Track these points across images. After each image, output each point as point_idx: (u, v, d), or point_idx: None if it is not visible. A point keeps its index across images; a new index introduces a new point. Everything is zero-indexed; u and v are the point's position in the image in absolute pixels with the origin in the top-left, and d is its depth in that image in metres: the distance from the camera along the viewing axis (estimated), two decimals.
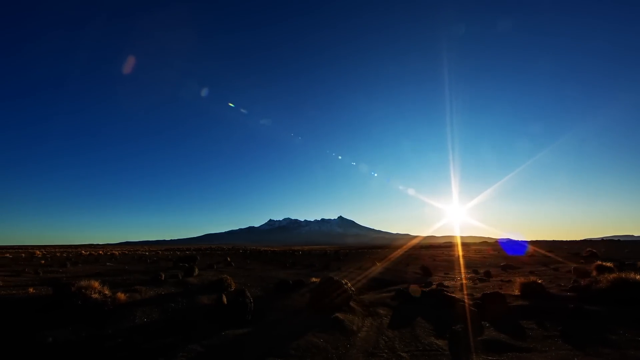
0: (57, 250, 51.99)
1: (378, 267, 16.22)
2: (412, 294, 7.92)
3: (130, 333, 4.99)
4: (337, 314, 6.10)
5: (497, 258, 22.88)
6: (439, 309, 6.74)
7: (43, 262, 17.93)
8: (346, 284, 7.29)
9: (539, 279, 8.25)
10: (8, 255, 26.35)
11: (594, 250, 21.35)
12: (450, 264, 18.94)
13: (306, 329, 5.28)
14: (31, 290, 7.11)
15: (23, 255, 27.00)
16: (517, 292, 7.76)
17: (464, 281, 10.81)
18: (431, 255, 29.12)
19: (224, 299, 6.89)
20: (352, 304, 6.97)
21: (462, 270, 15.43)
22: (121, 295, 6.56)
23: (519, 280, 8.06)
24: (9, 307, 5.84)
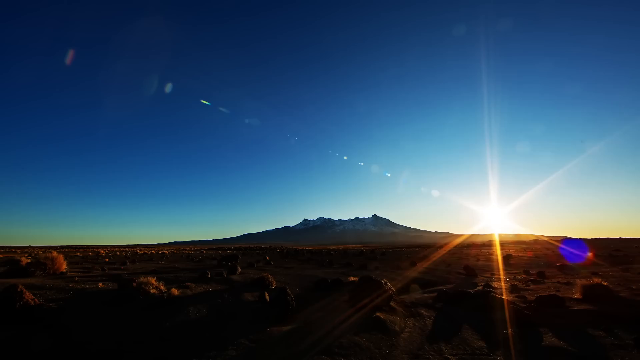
0: (117, 249, 57.89)
1: (417, 267, 15.71)
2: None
3: (185, 326, 5.40)
4: (378, 314, 6.04)
5: (551, 257, 20.92)
6: (487, 311, 6.35)
7: (107, 260, 20.08)
8: (386, 283, 7.17)
9: (605, 281, 7.40)
10: (79, 254, 29.93)
11: None
12: (496, 263, 17.72)
13: (347, 328, 5.31)
14: (100, 285, 8.00)
15: (90, 254, 30.48)
16: (578, 296, 7.05)
17: (515, 282, 10.05)
18: (474, 254, 27.51)
19: (267, 296, 7.17)
20: (392, 304, 6.84)
21: (511, 270, 14.36)
22: (175, 291, 7.13)
23: (580, 282, 7.32)
24: (84, 299, 6.64)
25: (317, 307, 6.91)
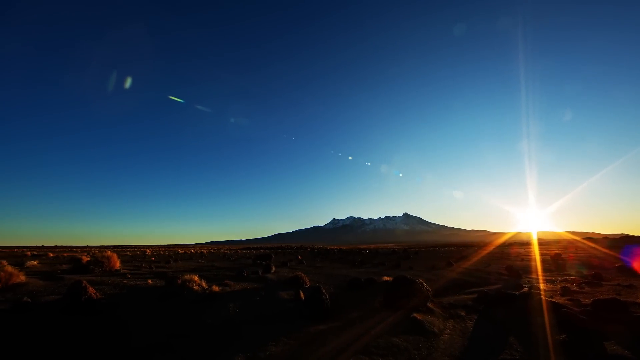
0: (160, 249, 62.28)
1: (454, 267, 15.05)
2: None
3: (226, 322, 5.69)
4: (415, 315, 5.89)
5: (608, 258, 18.94)
6: (535, 315, 5.92)
7: (153, 258, 21.68)
8: (422, 283, 6.97)
9: None
10: (128, 253, 32.65)
11: None
12: (542, 264, 16.41)
13: (384, 328, 5.25)
14: (149, 281, 8.67)
15: (138, 253, 33.09)
16: None
17: (566, 284, 9.26)
18: (516, 253, 25.73)
19: (302, 295, 7.31)
20: (430, 305, 6.64)
21: (562, 271, 13.23)
22: (216, 288, 7.53)
23: None
24: (137, 294, 7.25)
25: (352, 306, 6.91)
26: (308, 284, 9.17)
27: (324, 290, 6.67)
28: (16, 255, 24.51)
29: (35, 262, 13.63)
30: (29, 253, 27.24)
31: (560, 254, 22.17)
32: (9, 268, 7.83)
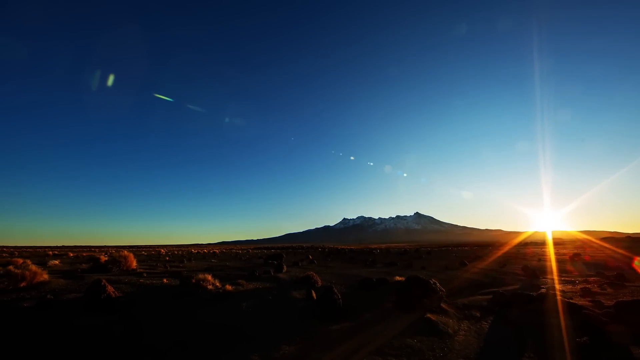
0: (174, 249, 63.67)
1: (468, 267, 14.78)
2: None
3: (240, 321, 5.76)
4: (429, 315, 5.83)
5: (628, 258, 18.19)
6: (553, 317, 5.76)
7: (167, 258, 22.17)
8: (435, 284, 6.87)
9: None
10: (144, 252, 33.50)
11: None
12: (561, 264, 15.91)
13: (398, 329, 5.21)
14: (165, 280, 8.87)
15: (153, 252, 33.92)
16: None
17: (586, 285, 8.95)
18: (533, 253, 25.05)
19: (314, 295, 7.33)
20: (444, 305, 6.54)
21: (582, 272, 12.79)
22: (229, 287, 7.64)
23: None
24: (153, 293, 7.43)
25: (364, 306, 6.89)
26: (320, 283, 9.19)
27: (336, 290, 6.67)
28: (39, 254, 25.55)
29: (56, 262, 14.17)
30: (50, 253, 28.33)
31: (579, 254, 21.44)
32: (33, 267, 8.16)
